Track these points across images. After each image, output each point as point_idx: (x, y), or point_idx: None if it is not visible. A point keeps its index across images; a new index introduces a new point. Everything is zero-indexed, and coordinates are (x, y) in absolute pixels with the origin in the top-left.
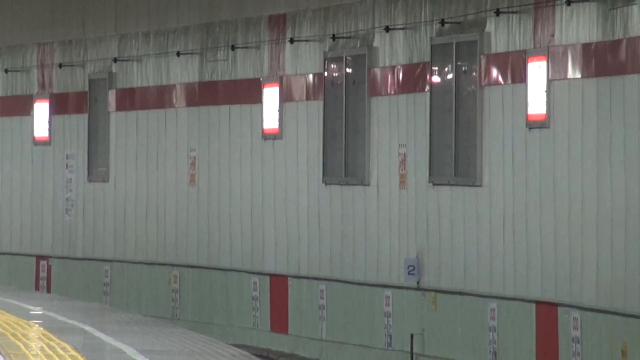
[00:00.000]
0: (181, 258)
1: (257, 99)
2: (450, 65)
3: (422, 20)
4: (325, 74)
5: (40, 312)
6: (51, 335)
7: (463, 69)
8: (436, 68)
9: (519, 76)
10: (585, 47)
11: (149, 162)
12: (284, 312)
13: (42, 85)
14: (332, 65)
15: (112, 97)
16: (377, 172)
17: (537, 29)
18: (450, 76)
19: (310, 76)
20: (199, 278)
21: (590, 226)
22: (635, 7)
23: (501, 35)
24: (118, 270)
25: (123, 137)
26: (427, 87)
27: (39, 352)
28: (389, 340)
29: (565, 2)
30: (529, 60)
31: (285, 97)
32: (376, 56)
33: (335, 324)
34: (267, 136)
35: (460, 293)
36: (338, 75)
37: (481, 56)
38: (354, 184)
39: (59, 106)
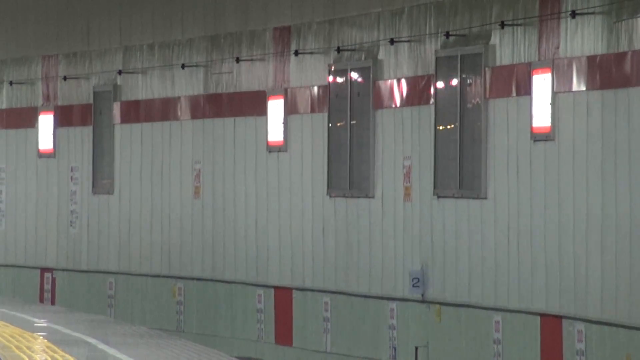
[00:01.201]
0: (186, 270)
1: (262, 111)
2: (455, 78)
3: (427, 32)
4: (330, 86)
5: (44, 325)
6: (55, 348)
7: (468, 81)
8: (441, 80)
9: (524, 89)
10: (590, 59)
11: (153, 174)
12: (289, 325)
13: (47, 98)
14: (337, 78)
15: (116, 109)
16: (382, 185)
17: (542, 42)
18: (455, 89)
19: (315, 88)
20: (204, 290)
21: (595, 238)
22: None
23: (506, 47)
24: (122, 282)
25: (128, 150)
26: (432, 100)
27: None
28: (393, 353)
29: (570, 14)
30: (533, 72)
31: (290, 110)
32: (381, 69)
33: (339, 337)
34: (271, 148)
35: (465, 305)
36: (343, 88)
37: (486, 69)
38: (358, 197)
39: (63, 119)
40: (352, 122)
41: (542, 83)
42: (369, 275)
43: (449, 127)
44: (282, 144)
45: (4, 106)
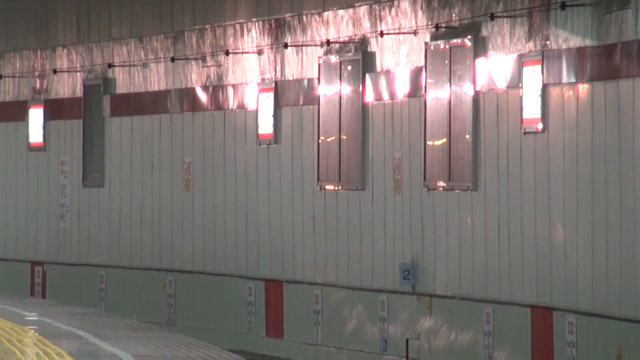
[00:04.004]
0: (176, 263)
1: (252, 104)
2: (444, 70)
3: (417, 25)
4: (320, 79)
5: (35, 318)
6: (46, 341)
7: (457, 73)
8: (430, 73)
9: (514, 80)
10: (580, 51)
11: (144, 167)
12: (279, 317)
13: (37, 91)
14: (327, 71)
15: (106, 102)
16: (372, 177)
17: (531, 34)
18: (444, 81)
19: (305, 81)
20: (194, 283)
21: (585, 230)
22: (629, 12)
23: (496, 39)
24: (113, 275)
25: (118, 143)
26: (422, 92)
27: (35, 358)
28: (384, 345)
29: (560, 6)
30: (523, 64)
31: (280, 102)
32: (371, 61)
33: (330, 329)
34: (262, 141)
35: (456, 297)
36: (333, 80)
37: (476, 61)
38: (348, 189)
39: (53, 112)
40: (342, 115)
41: (532, 75)
42: (360, 267)
43: (438, 119)
44: (272, 136)
45: None
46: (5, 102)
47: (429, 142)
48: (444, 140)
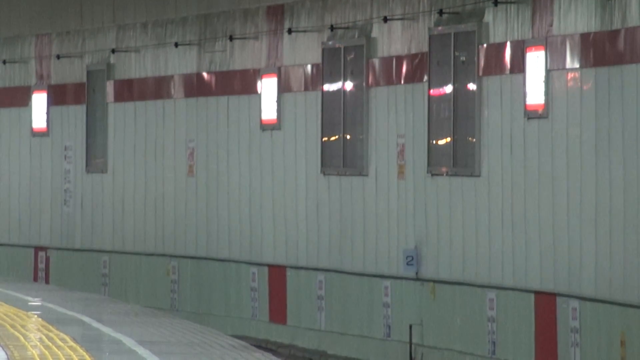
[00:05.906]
0: (180, 249)
1: (255, 89)
2: (448, 56)
3: (421, 10)
4: (324, 64)
5: (39, 303)
6: (50, 327)
7: (461, 59)
8: (434, 58)
9: (518, 66)
10: (584, 37)
11: (147, 153)
12: (283, 303)
13: (40, 77)
14: (331, 56)
15: (110, 88)
16: (376, 163)
17: (535, 19)
18: (448, 66)
19: (309, 67)
20: (198, 269)
21: (589, 216)
22: None
23: (499, 25)
24: (116, 261)
25: (121, 128)
26: (426, 78)
27: (38, 343)
28: (387, 331)
29: None
30: (527, 50)
31: (284, 88)
32: (374, 47)
33: (333, 315)
34: (265, 127)
35: (459, 283)
36: (336, 66)
37: (479, 46)
38: (352, 175)
39: (57, 97)
40: (345, 100)
41: (535, 60)
42: (363, 253)
43: (442, 105)
44: (276, 122)
45: None
46: (8, 88)
47: (433, 128)
48: (448, 126)
